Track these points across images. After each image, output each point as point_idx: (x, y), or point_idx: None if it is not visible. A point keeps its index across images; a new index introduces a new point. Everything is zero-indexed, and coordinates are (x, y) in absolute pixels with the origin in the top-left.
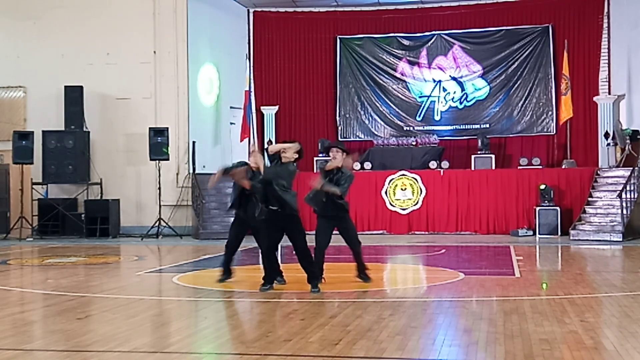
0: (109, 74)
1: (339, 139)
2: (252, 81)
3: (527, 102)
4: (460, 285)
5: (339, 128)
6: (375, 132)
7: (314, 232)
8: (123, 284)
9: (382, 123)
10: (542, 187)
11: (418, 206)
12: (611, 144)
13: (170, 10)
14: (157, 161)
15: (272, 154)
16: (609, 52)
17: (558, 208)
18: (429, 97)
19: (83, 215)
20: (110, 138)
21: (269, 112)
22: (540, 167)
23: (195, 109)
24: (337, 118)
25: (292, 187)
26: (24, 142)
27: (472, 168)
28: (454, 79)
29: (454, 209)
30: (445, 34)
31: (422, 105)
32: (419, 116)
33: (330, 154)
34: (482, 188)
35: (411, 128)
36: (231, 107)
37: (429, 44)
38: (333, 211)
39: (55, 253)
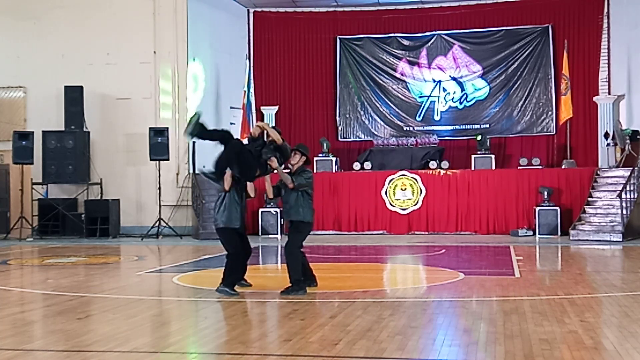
0: (109, 74)
1: (339, 139)
2: (252, 81)
3: (527, 102)
4: (460, 285)
5: (339, 128)
6: (375, 132)
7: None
8: (123, 284)
9: (382, 123)
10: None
11: (418, 206)
12: (611, 144)
13: (170, 10)
14: (157, 161)
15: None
16: (608, 52)
17: (558, 208)
18: (429, 97)
19: (83, 215)
20: (110, 138)
21: (269, 112)
22: (540, 167)
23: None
24: (337, 118)
25: None
26: (24, 142)
27: (472, 168)
28: (454, 79)
29: (453, 209)
30: (445, 34)
31: (422, 105)
32: (419, 116)
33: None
34: (482, 188)
35: (411, 128)
36: (231, 107)
37: (429, 44)
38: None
39: (55, 253)
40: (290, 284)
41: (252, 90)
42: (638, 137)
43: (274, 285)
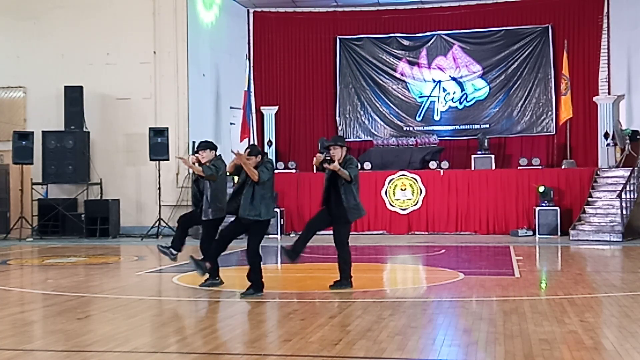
0: (109, 74)
1: None
2: (252, 81)
3: (527, 102)
4: (460, 285)
5: (339, 128)
6: (375, 132)
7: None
8: (123, 284)
9: (382, 123)
10: (541, 189)
11: (418, 206)
12: (611, 144)
13: (170, 10)
14: (157, 161)
15: None
16: (608, 52)
17: (558, 208)
18: (428, 97)
19: (83, 216)
20: (110, 138)
21: (269, 112)
22: (540, 167)
23: (195, 109)
24: (337, 118)
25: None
26: (24, 142)
27: (472, 168)
28: (453, 79)
29: (453, 209)
30: (445, 34)
31: (422, 105)
32: (419, 116)
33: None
34: (482, 188)
35: (411, 128)
36: (231, 107)
37: (429, 44)
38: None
39: (55, 253)
40: (340, 278)
41: (252, 90)
42: (638, 137)
43: (273, 285)
